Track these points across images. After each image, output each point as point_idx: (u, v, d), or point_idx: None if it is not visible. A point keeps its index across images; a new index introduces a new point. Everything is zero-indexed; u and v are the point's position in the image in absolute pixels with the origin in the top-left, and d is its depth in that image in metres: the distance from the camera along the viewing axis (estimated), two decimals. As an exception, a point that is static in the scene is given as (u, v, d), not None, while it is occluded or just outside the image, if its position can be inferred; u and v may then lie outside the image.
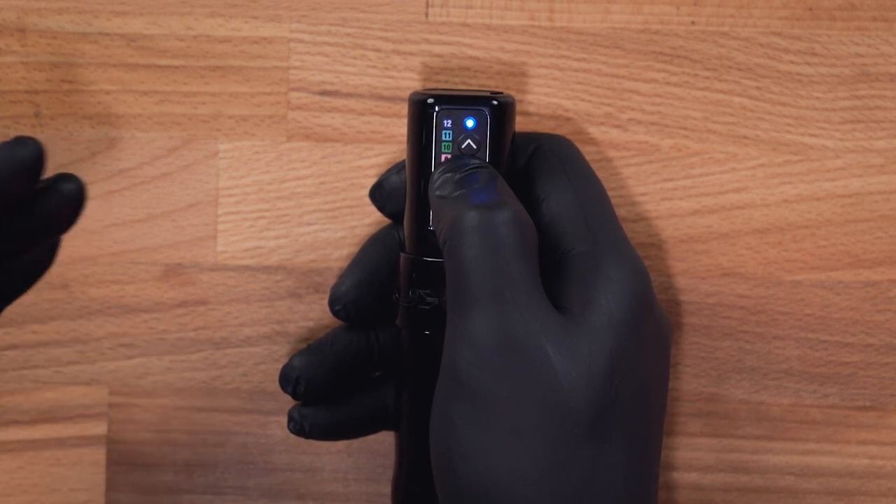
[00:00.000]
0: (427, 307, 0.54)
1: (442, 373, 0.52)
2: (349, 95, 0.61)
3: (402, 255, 0.56)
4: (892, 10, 0.61)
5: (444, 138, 0.55)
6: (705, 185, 0.61)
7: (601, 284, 0.52)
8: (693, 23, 0.61)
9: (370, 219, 0.61)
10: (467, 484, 0.51)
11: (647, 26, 0.61)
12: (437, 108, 0.54)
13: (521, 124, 0.60)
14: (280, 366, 0.61)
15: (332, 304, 0.58)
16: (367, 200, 0.61)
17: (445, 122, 0.54)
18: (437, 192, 0.54)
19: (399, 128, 0.61)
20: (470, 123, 0.54)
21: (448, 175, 0.54)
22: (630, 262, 0.53)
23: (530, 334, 0.51)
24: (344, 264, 0.61)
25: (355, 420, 0.58)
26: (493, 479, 0.50)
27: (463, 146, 0.54)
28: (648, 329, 0.53)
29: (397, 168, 0.58)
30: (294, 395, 0.58)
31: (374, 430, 0.59)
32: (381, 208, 0.58)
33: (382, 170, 0.61)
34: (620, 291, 0.52)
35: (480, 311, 0.51)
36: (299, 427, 0.58)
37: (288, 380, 0.58)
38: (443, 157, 0.55)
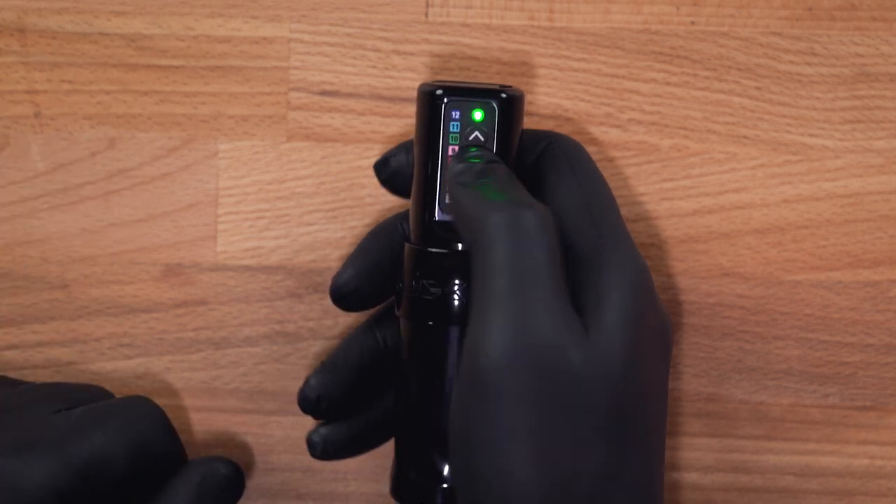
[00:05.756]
0: (430, 297, 0.54)
1: (463, 369, 0.52)
2: (349, 95, 0.61)
3: (407, 245, 0.56)
4: (892, 10, 0.61)
5: (451, 130, 0.54)
6: (705, 185, 0.61)
7: (612, 283, 0.52)
8: (693, 23, 0.61)
9: (370, 219, 0.61)
10: (486, 480, 0.51)
11: (647, 26, 0.61)
12: (445, 100, 0.54)
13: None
14: (280, 366, 0.61)
15: (332, 293, 0.58)
16: (368, 200, 0.61)
17: (454, 113, 0.54)
18: (458, 180, 0.53)
19: (399, 128, 0.61)
20: (478, 115, 0.54)
21: (466, 165, 0.54)
22: (635, 262, 0.53)
23: (553, 334, 0.50)
24: (344, 264, 0.61)
25: (374, 428, 0.58)
26: (511, 477, 0.50)
27: (470, 138, 0.54)
28: (653, 328, 0.53)
29: (405, 148, 0.57)
30: (315, 415, 0.58)
31: (393, 435, 0.59)
32: (382, 182, 0.58)
33: (382, 170, 0.61)
34: (630, 291, 0.52)
35: (507, 310, 0.51)
36: (322, 450, 0.58)
37: (308, 401, 0.57)
38: (450, 149, 0.55)
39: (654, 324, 0.53)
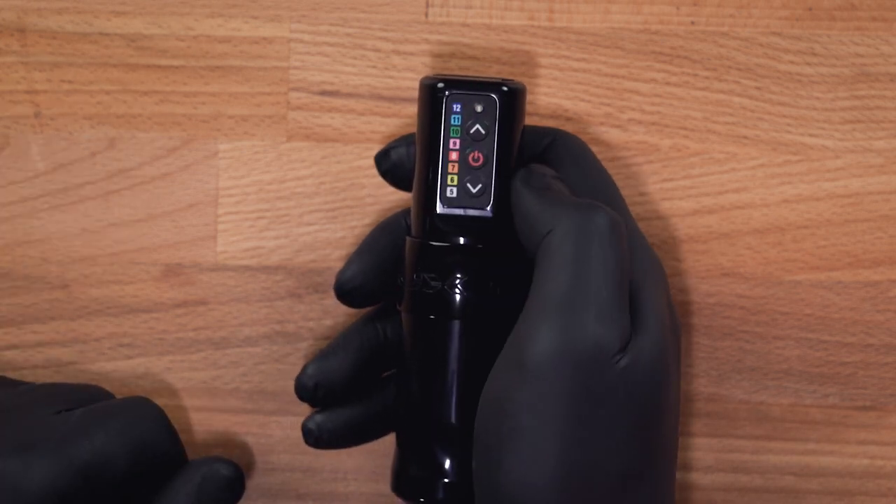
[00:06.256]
0: (431, 291, 0.55)
1: (503, 357, 0.52)
2: (349, 95, 0.61)
3: (408, 238, 0.56)
4: (892, 10, 0.61)
5: (453, 122, 0.55)
6: (705, 185, 0.61)
7: (641, 284, 0.52)
8: (693, 23, 0.61)
9: (370, 219, 0.61)
10: (509, 468, 0.51)
11: (647, 26, 0.61)
12: (447, 93, 0.54)
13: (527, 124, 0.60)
14: (280, 366, 0.61)
15: (336, 289, 0.57)
16: (368, 200, 0.61)
17: (455, 106, 0.54)
18: (527, 183, 0.54)
19: (399, 128, 0.61)
20: (479, 108, 0.54)
21: (533, 173, 0.54)
22: (654, 258, 0.54)
23: (603, 338, 0.51)
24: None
25: (371, 420, 0.58)
26: (537, 466, 0.51)
27: (471, 131, 0.54)
28: (673, 328, 0.53)
29: (407, 140, 0.57)
30: (312, 403, 0.58)
31: (391, 429, 0.59)
32: (383, 173, 0.58)
33: (382, 170, 0.61)
34: (657, 290, 0.53)
35: (564, 309, 0.51)
36: (317, 437, 0.58)
37: (305, 388, 0.57)
38: (451, 142, 0.55)
39: (674, 323, 0.53)
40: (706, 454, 0.62)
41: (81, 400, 0.57)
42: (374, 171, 0.61)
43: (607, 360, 0.51)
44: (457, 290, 0.54)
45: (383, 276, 0.57)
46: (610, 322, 0.51)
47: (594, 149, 0.61)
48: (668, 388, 0.52)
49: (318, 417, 0.58)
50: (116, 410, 0.55)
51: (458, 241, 0.55)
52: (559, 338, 0.51)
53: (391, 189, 0.58)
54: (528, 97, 0.61)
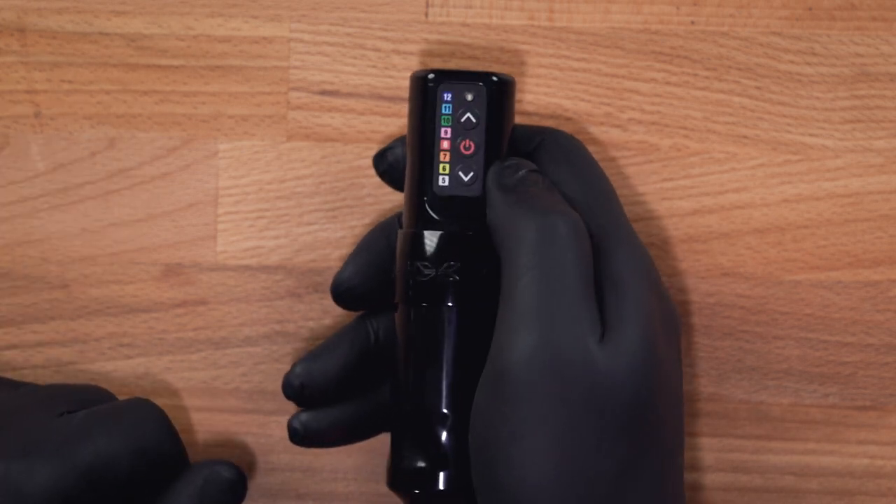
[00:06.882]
0: (424, 279, 0.55)
1: (486, 370, 0.52)
2: (349, 95, 0.61)
3: (399, 231, 0.56)
4: (892, 10, 0.61)
5: (443, 111, 0.55)
6: (705, 185, 0.61)
7: (623, 276, 0.53)
8: (693, 23, 0.61)
9: (370, 219, 0.61)
10: (503, 481, 0.51)
11: (647, 26, 0.61)
12: (437, 83, 0.55)
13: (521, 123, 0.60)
14: (280, 366, 0.61)
15: (333, 290, 0.58)
16: (368, 200, 0.61)
17: (445, 95, 0.55)
18: (498, 181, 0.54)
19: (399, 128, 0.61)
20: (469, 97, 0.55)
21: (507, 168, 0.54)
22: (640, 251, 0.54)
23: (577, 337, 0.51)
24: (344, 264, 0.61)
25: (360, 420, 0.58)
26: (529, 477, 0.51)
27: (462, 119, 0.55)
28: (664, 317, 0.53)
29: (402, 142, 0.57)
30: (298, 402, 0.58)
31: (380, 430, 0.59)
32: (380, 174, 0.58)
33: (382, 170, 0.61)
34: (640, 282, 0.53)
35: (533, 313, 0.51)
36: (302, 436, 0.58)
37: (292, 387, 0.57)
38: (443, 131, 0.55)
39: (664, 312, 0.53)
40: (706, 454, 0.62)
41: (83, 402, 0.57)
42: (374, 171, 0.61)
43: (584, 358, 0.51)
44: (449, 277, 0.54)
45: (379, 276, 0.57)
46: (578, 322, 0.51)
47: (594, 149, 0.61)
48: (659, 377, 0.52)
49: (303, 416, 0.58)
50: (119, 413, 0.55)
51: (450, 228, 0.55)
52: (531, 344, 0.51)
53: (391, 189, 0.58)
54: (528, 97, 0.61)
